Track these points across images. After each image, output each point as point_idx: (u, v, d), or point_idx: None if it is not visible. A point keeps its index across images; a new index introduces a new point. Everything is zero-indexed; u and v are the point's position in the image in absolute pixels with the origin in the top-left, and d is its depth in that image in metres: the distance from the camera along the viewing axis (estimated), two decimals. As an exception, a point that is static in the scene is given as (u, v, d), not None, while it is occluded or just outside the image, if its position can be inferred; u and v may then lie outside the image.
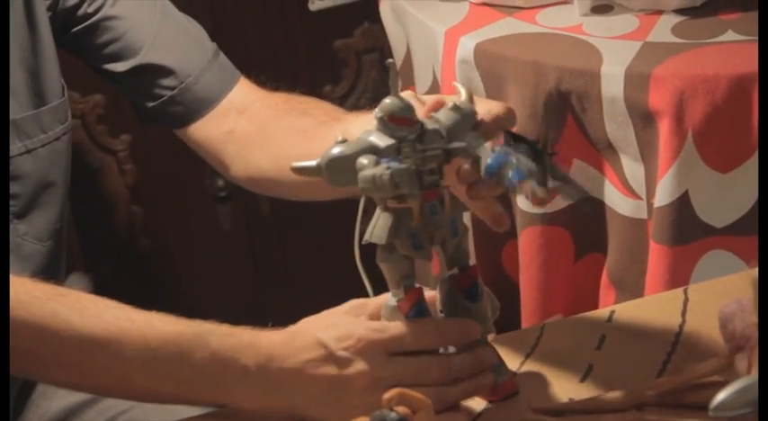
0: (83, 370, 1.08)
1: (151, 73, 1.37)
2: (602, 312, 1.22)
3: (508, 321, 1.68)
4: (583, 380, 1.13)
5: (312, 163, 1.01)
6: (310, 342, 1.05)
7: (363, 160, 0.98)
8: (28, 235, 1.33)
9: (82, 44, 1.39)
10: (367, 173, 0.97)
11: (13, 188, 1.31)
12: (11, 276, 1.10)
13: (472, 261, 1.09)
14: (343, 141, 1.00)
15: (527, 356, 1.17)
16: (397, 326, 1.05)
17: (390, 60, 1.03)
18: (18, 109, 1.31)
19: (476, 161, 1.01)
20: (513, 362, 1.16)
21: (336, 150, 1.00)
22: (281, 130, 1.30)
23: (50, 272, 1.34)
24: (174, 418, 1.15)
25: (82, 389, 1.19)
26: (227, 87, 1.38)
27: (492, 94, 1.61)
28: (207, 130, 1.36)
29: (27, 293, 1.09)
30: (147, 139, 2.20)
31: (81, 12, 1.37)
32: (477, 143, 1.01)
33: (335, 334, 1.05)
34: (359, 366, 1.04)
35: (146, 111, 1.39)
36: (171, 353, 1.05)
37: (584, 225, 1.61)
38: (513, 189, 1.01)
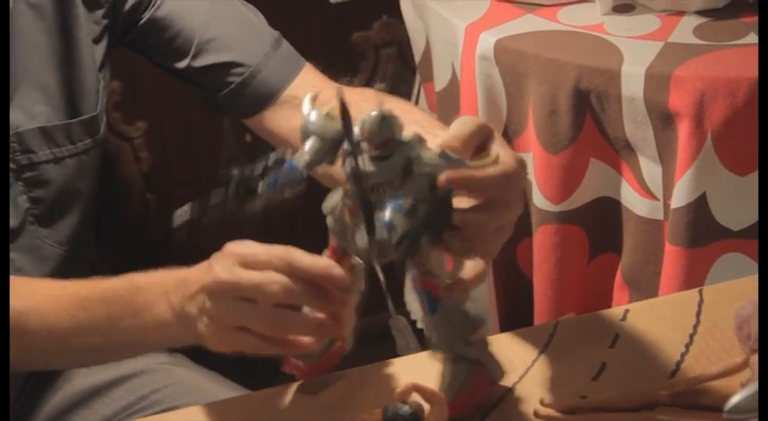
0: (26, 345, 1.14)
1: (214, 66, 1.37)
2: (616, 311, 1.22)
3: (521, 318, 1.68)
4: (596, 378, 1.13)
5: (305, 109, 1.03)
6: (197, 276, 1.07)
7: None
8: (48, 238, 1.34)
9: (143, 43, 1.39)
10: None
11: (37, 193, 1.32)
12: None
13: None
14: (329, 116, 1.01)
15: (540, 353, 1.17)
16: (247, 273, 1.04)
17: (339, 88, 1.01)
18: (51, 116, 1.32)
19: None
20: (525, 358, 1.16)
21: (306, 119, 1.02)
22: None
23: (66, 274, 1.34)
24: (203, 400, 1.18)
25: (31, 366, 1.22)
26: (291, 75, 1.37)
27: (511, 91, 1.61)
28: (277, 122, 1.36)
29: None
30: (163, 127, 2.20)
31: (140, 12, 1.37)
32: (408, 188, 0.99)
33: (209, 272, 1.06)
34: (210, 302, 1.05)
35: (213, 102, 1.39)
36: (100, 295, 1.13)
37: (600, 224, 1.60)
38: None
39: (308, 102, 1.03)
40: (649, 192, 1.55)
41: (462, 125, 1.02)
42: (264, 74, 1.36)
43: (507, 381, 1.13)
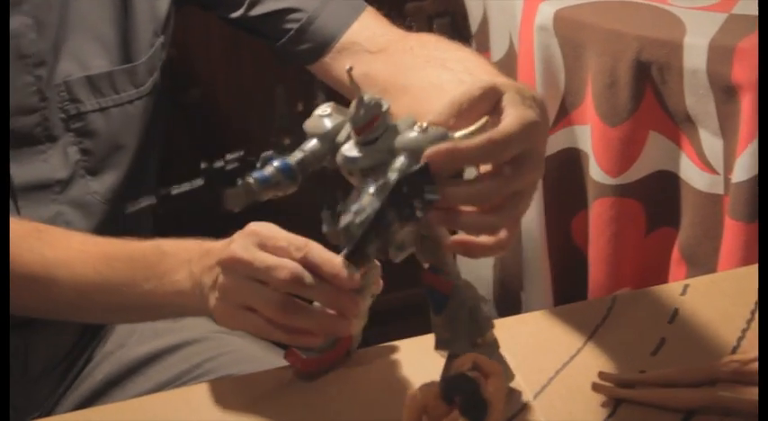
0: (53, 295, 1.17)
1: (271, 14, 1.37)
2: (675, 286, 1.21)
3: (575, 292, 1.67)
4: (654, 353, 1.11)
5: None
6: (207, 250, 1.09)
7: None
8: (97, 193, 1.34)
9: None
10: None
11: (86, 144, 1.34)
12: None
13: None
14: (327, 115, 0.99)
15: (598, 327, 1.16)
16: (262, 255, 1.04)
17: (349, 66, 0.97)
18: (103, 65, 1.33)
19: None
20: (583, 331, 1.15)
21: (310, 121, 1.00)
22: (420, 82, 1.24)
23: (114, 231, 1.35)
24: (257, 368, 1.18)
25: (55, 315, 1.24)
26: (350, 19, 1.35)
27: (570, 62, 1.59)
28: (339, 69, 1.35)
29: (11, 233, 1.17)
30: (216, 96, 2.20)
31: None
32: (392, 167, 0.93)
33: (222, 246, 1.08)
34: (222, 277, 1.07)
35: (277, 51, 1.39)
36: (127, 255, 1.15)
37: (657, 198, 1.59)
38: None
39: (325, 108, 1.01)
40: (709, 165, 1.53)
41: (462, 94, 0.96)
42: (322, 19, 1.35)
43: (564, 355, 1.13)
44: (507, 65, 1.71)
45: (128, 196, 1.38)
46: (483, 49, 1.80)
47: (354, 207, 0.91)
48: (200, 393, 1.13)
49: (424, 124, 0.93)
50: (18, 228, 1.19)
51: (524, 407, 1.07)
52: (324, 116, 0.99)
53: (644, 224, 1.61)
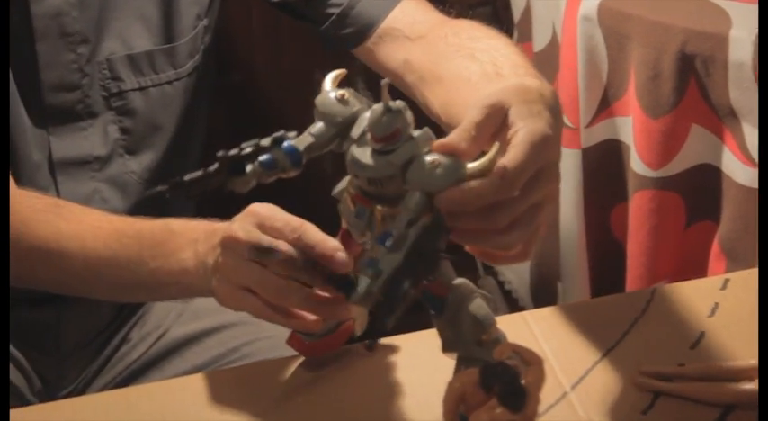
0: (64, 267, 1.18)
1: None
2: (716, 280, 1.20)
3: (612, 285, 1.67)
4: (694, 346, 1.11)
5: (325, 87, 1.00)
6: (213, 230, 1.11)
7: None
8: (135, 173, 1.35)
9: None
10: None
11: (126, 123, 1.35)
12: (17, 190, 1.21)
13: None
14: (341, 99, 0.97)
15: (636, 319, 1.16)
16: (259, 236, 1.04)
17: (385, 80, 0.93)
18: (146, 45, 1.34)
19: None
20: (622, 323, 1.15)
21: (321, 99, 0.98)
22: (450, 74, 1.24)
23: (151, 210, 1.36)
24: (291, 354, 1.16)
25: (66, 289, 1.25)
26: (390, 5, 1.35)
27: (613, 53, 1.58)
28: (382, 55, 1.35)
29: (29, 207, 1.19)
30: (255, 81, 2.20)
31: None
32: (403, 206, 0.90)
33: (225, 226, 1.08)
34: (221, 257, 1.07)
35: (320, 35, 1.39)
36: (136, 232, 1.16)
37: (698, 191, 1.58)
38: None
39: (329, 81, 1.00)
40: (752, 159, 1.52)
41: (467, 121, 0.94)
42: (363, 4, 1.35)
43: (602, 346, 1.13)
44: (549, 55, 1.70)
45: (165, 176, 1.39)
46: (525, 38, 1.79)
47: (369, 269, 0.88)
48: (236, 376, 1.14)
49: (439, 158, 0.90)
50: (38, 201, 1.21)
51: (562, 398, 1.07)
52: (341, 101, 0.97)
53: (684, 217, 1.60)
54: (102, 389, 1.39)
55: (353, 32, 1.36)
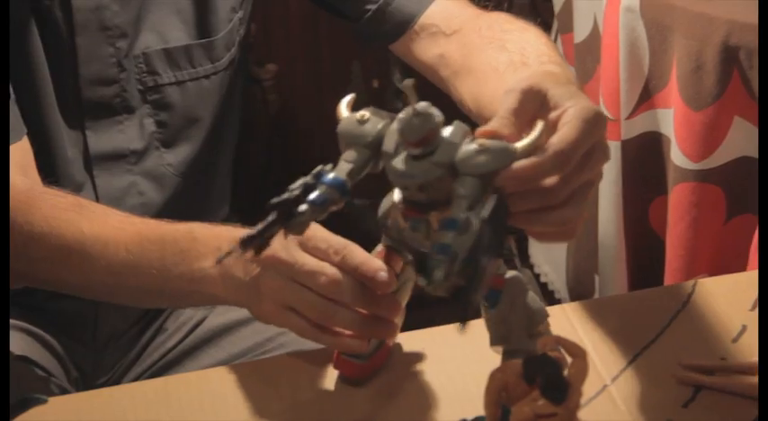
0: (86, 269, 1.16)
1: None
2: (757, 273, 1.18)
3: (650, 278, 1.65)
4: (735, 340, 1.10)
5: (342, 116, 0.98)
6: (233, 238, 1.04)
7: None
8: (171, 165, 1.35)
9: None
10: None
11: (162, 116, 1.35)
12: (41, 188, 1.19)
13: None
14: (362, 120, 0.96)
15: (677, 312, 1.15)
16: (302, 257, 1.04)
17: (408, 81, 0.92)
18: (182, 38, 1.34)
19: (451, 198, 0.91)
20: (662, 317, 1.14)
21: (343, 125, 0.96)
22: (481, 65, 1.25)
23: (188, 203, 1.36)
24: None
25: (89, 292, 1.22)
26: (427, 1, 1.34)
27: (655, 45, 1.57)
28: (418, 51, 1.35)
29: (52, 206, 1.17)
30: (293, 71, 2.20)
31: None
32: (460, 192, 0.90)
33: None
34: (261, 275, 1.06)
35: (356, 31, 1.39)
36: (159, 237, 1.14)
37: (739, 184, 1.56)
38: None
39: (344, 108, 0.98)
40: (795, 153, 1.50)
41: (505, 105, 0.95)
42: (400, 1, 1.35)
43: (643, 339, 1.12)
44: (591, 46, 1.69)
45: (201, 169, 1.39)
46: (565, 29, 1.78)
47: (440, 255, 0.87)
48: (273, 367, 1.14)
49: (485, 142, 0.90)
50: (61, 201, 1.19)
51: (602, 391, 1.06)
52: (363, 122, 0.96)
53: (724, 210, 1.59)
54: (137, 378, 1.40)
55: (390, 29, 1.35)
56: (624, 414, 1.03)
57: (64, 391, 1.29)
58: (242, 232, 1.08)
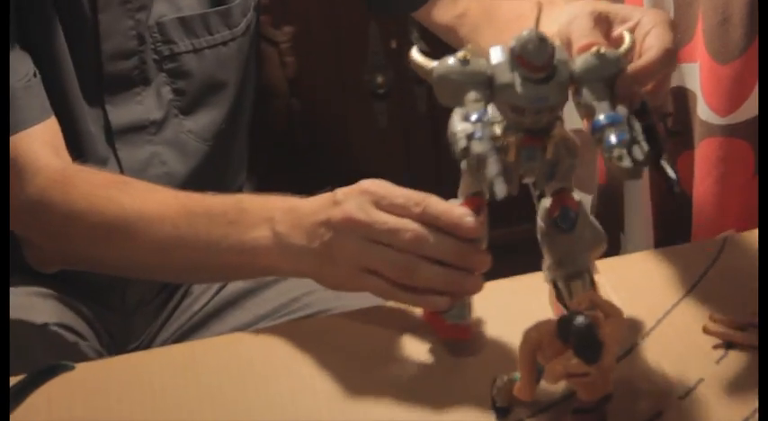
0: (128, 246, 1.14)
1: None
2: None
3: (677, 235, 1.64)
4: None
5: (429, 64, 0.96)
6: (315, 208, 1.05)
7: (456, 114, 0.92)
8: (192, 132, 1.34)
9: None
10: (451, 129, 0.92)
11: (179, 84, 1.34)
12: (76, 166, 1.18)
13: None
14: (464, 60, 0.94)
15: (708, 268, 1.14)
16: (380, 216, 1.01)
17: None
18: (195, 6, 1.32)
19: (590, 113, 0.94)
20: (692, 273, 1.13)
21: (447, 70, 0.94)
22: (503, 14, 1.26)
23: (211, 170, 1.35)
24: (354, 306, 1.16)
25: (131, 271, 1.21)
26: None
27: (680, -2, 1.55)
28: (440, 14, 1.34)
29: (88, 183, 1.15)
30: (310, 33, 2.18)
31: None
32: (595, 97, 0.94)
33: (335, 207, 1.04)
34: (335, 239, 1.03)
35: (373, 2, 1.38)
36: (205, 210, 1.11)
37: None
38: (606, 150, 0.91)
39: (419, 56, 0.96)
40: (824, 105, 1.48)
41: (580, 29, 1.01)
42: None
43: (673, 296, 1.11)
44: (614, 0, 1.66)
45: (221, 134, 1.38)
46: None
47: (619, 139, 0.90)
48: (299, 329, 1.13)
49: (599, 50, 0.95)
50: (100, 178, 1.18)
51: (632, 348, 1.05)
52: (466, 61, 0.94)
53: (752, 165, 1.57)
54: (165, 342, 1.39)
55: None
56: (655, 373, 1.02)
57: (99, 355, 1.28)
58: (294, 201, 1.06)
